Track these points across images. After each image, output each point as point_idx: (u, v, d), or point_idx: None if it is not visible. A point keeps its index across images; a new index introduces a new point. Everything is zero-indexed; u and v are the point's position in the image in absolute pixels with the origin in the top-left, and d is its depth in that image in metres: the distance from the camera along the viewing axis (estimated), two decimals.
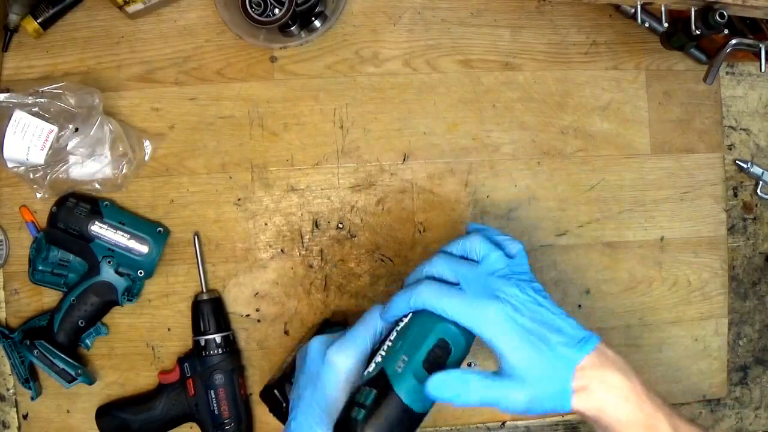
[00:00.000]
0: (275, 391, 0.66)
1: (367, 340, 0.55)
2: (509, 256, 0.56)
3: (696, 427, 0.52)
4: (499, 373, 0.52)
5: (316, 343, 0.57)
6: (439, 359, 0.53)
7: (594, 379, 0.50)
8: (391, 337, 0.54)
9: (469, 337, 0.54)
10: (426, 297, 0.53)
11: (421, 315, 0.54)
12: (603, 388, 0.50)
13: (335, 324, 0.73)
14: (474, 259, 0.56)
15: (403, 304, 0.55)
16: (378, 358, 0.53)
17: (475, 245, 0.56)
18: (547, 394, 0.51)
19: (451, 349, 0.53)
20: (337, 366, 0.54)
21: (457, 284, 0.54)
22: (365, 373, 0.53)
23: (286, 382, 0.66)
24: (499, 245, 0.56)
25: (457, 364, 0.54)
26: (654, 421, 0.50)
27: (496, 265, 0.54)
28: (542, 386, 0.51)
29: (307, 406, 0.54)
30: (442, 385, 0.50)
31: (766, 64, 0.68)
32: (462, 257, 0.57)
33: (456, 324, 0.53)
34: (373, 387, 0.51)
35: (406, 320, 0.55)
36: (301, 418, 0.54)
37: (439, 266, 0.56)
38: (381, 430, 0.50)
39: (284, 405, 0.65)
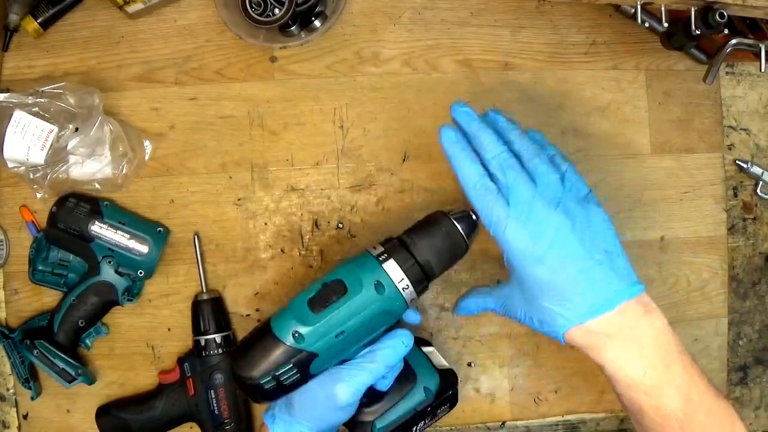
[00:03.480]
0: None
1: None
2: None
3: (714, 400, 0.52)
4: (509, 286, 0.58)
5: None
6: (327, 298, 0.54)
7: (601, 339, 0.53)
8: None
9: (372, 270, 0.55)
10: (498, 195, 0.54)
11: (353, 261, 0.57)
12: (610, 347, 0.53)
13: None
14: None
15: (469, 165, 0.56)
16: None
17: (538, 165, 0.55)
18: (541, 329, 0.55)
19: (345, 286, 0.54)
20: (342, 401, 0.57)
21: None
22: None
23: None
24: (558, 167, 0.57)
25: (361, 307, 0.54)
26: (660, 387, 0.52)
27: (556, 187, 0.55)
28: (537, 323, 0.55)
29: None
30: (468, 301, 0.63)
31: (766, 64, 0.68)
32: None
33: (358, 263, 0.56)
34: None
35: None
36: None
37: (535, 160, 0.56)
38: (244, 349, 0.55)
39: None
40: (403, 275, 0.55)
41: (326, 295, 0.54)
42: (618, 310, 0.52)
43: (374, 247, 0.57)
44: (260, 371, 0.53)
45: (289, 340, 0.53)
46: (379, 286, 0.54)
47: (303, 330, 0.53)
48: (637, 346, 0.52)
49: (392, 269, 0.55)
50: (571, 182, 0.55)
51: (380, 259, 0.55)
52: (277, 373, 0.54)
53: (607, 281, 0.53)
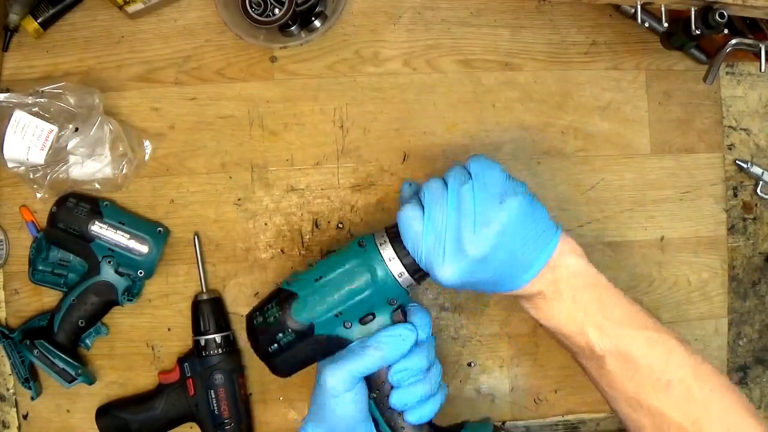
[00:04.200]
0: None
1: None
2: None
3: (649, 333, 0.54)
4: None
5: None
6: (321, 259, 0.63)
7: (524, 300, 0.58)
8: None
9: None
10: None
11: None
12: (535, 308, 0.57)
13: None
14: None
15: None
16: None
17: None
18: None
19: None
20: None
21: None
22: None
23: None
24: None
25: (342, 260, 0.59)
26: (583, 336, 0.55)
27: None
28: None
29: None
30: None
31: (766, 64, 0.68)
32: None
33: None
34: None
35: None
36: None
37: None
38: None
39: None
40: (384, 236, 0.59)
41: (322, 258, 0.63)
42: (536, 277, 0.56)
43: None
44: (255, 308, 0.61)
45: (282, 284, 0.61)
46: (360, 243, 0.59)
47: (293, 277, 0.60)
48: (556, 299, 0.55)
49: (377, 234, 0.60)
50: (479, 179, 0.57)
51: (371, 233, 0.61)
52: (263, 309, 0.60)
53: (519, 265, 0.55)
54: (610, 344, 0.53)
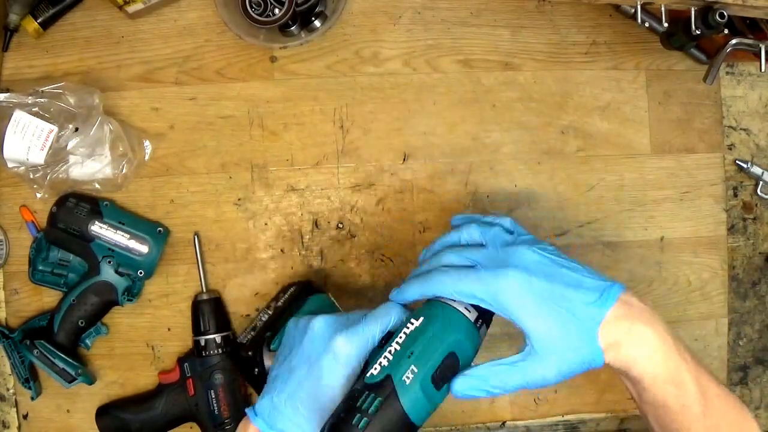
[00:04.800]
0: (249, 352, 0.65)
1: (377, 335, 0.54)
2: (507, 230, 0.58)
3: (720, 387, 0.53)
4: (525, 351, 0.54)
5: (321, 323, 0.56)
6: (448, 372, 0.52)
7: (621, 333, 0.51)
8: (399, 340, 0.53)
9: (475, 340, 0.55)
10: (442, 281, 0.54)
11: (434, 321, 0.53)
12: (631, 342, 0.51)
13: (316, 290, 0.72)
14: (475, 243, 0.58)
15: (416, 288, 0.55)
16: (384, 362, 0.51)
17: (473, 232, 0.58)
18: (577, 359, 0.52)
19: (458, 360, 0.53)
20: (342, 357, 0.53)
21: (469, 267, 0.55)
22: (368, 374, 0.51)
23: (264, 346, 0.65)
24: (491, 224, 0.58)
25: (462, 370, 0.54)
26: (680, 376, 0.51)
27: (501, 237, 0.56)
28: (571, 354, 0.52)
29: (297, 388, 0.54)
30: (469, 386, 0.52)
31: (766, 64, 0.68)
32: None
33: (464, 333, 0.53)
34: (377, 394, 0.50)
35: (416, 323, 0.53)
36: (283, 397, 0.53)
37: (448, 256, 0.57)
38: None
39: (257, 370, 0.64)
40: (479, 318, 0.56)
41: (448, 369, 0.53)
42: (621, 301, 0.52)
43: (467, 310, 0.55)
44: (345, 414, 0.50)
45: (421, 422, 0.52)
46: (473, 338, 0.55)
47: (430, 409, 0.53)
48: (654, 335, 0.51)
49: (482, 328, 0.56)
50: (516, 229, 0.58)
51: (477, 324, 0.55)
52: (353, 408, 0.50)
53: (572, 327, 0.52)
54: (701, 396, 0.51)
